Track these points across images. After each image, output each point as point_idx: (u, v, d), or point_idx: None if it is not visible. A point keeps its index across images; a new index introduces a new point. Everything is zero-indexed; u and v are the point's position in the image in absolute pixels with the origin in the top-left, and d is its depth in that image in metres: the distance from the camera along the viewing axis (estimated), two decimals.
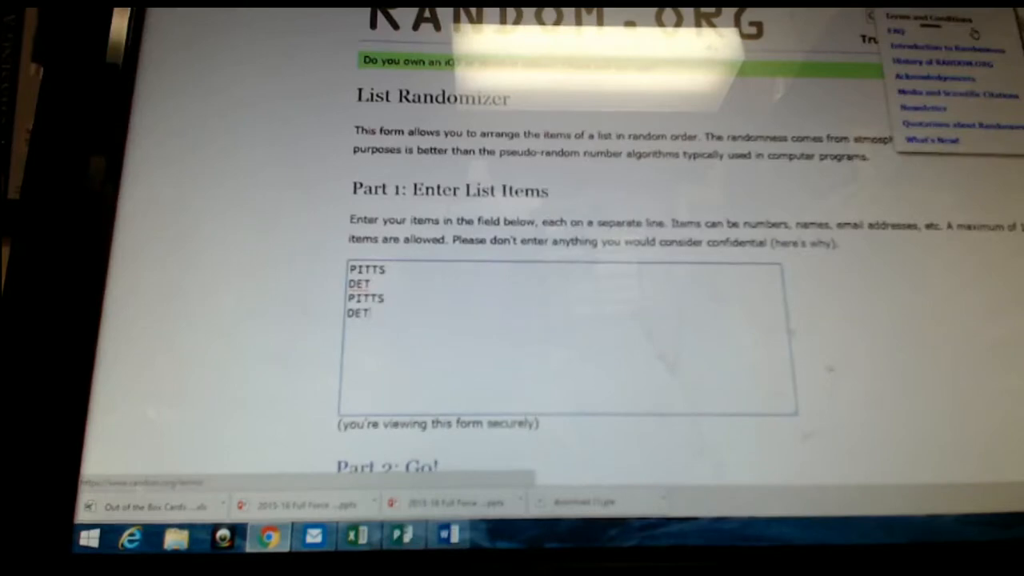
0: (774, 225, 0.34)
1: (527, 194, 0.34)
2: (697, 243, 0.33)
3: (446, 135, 0.35)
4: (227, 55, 0.35)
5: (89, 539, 0.28)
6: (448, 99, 0.35)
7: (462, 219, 0.33)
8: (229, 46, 0.35)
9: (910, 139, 0.36)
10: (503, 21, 0.37)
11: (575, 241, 0.33)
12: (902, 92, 0.36)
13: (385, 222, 0.33)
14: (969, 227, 0.34)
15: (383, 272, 0.32)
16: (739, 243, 0.34)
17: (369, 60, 0.36)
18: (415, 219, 0.33)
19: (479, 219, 0.33)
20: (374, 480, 0.30)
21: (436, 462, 0.30)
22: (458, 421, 0.30)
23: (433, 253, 0.33)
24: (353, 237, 0.33)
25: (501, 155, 0.34)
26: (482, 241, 0.33)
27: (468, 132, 0.35)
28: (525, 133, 0.35)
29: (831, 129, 0.36)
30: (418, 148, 0.34)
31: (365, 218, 0.33)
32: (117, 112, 0.33)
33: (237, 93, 0.34)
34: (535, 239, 0.33)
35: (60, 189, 0.32)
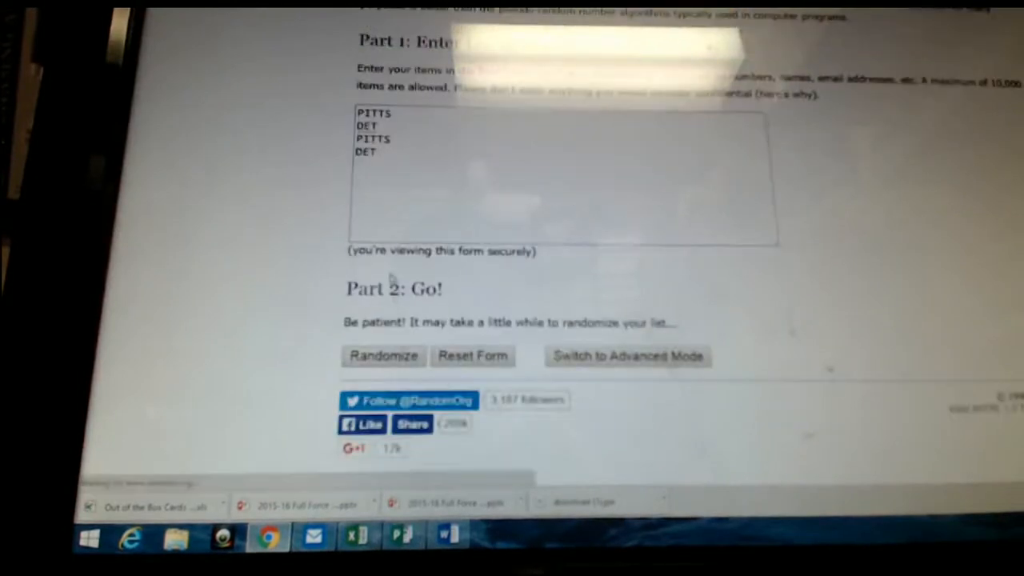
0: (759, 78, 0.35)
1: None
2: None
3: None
4: (227, 55, 0.35)
5: (89, 539, 0.28)
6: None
7: None
8: (229, 46, 0.35)
9: None
10: (503, 21, 0.37)
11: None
12: None
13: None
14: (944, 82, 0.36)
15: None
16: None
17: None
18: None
19: None
20: (374, 480, 0.30)
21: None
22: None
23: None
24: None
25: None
26: None
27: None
28: None
29: None
30: None
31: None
32: (117, 112, 0.33)
33: (237, 93, 0.34)
34: None
35: (60, 189, 0.32)
